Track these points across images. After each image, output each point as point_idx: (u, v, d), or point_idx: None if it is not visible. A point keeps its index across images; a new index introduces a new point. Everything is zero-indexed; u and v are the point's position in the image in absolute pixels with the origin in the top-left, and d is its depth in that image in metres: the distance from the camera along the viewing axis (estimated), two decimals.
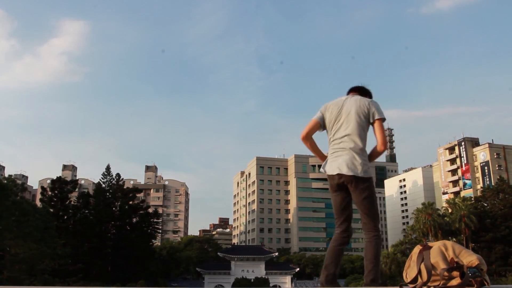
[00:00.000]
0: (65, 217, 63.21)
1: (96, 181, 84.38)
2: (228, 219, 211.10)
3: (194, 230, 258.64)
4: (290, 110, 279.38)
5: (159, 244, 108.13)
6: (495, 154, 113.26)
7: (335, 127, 4.02)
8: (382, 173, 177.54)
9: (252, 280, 68.85)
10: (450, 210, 78.69)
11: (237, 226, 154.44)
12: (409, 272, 3.15)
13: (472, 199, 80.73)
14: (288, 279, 78.59)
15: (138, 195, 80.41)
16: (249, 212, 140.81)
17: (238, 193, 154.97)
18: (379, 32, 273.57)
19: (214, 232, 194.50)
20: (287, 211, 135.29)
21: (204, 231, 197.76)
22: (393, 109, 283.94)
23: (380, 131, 3.96)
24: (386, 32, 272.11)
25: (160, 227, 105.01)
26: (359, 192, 3.86)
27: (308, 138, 4.09)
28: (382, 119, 3.98)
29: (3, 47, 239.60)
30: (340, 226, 3.96)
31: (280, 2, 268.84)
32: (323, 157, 4.11)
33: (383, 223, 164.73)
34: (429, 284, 2.98)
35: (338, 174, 3.86)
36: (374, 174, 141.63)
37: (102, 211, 66.85)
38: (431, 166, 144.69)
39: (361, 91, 4.28)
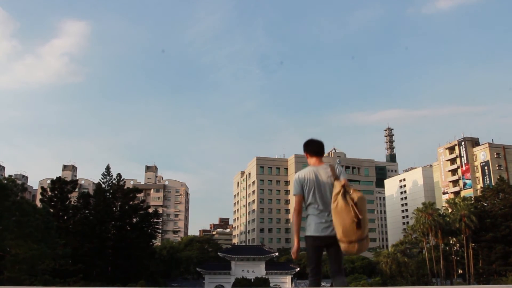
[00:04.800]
0: (65, 217, 63.14)
1: (96, 181, 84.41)
2: (228, 219, 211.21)
3: (194, 230, 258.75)
4: (290, 110, 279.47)
5: (159, 244, 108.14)
6: (495, 154, 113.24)
7: (318, 196, 4.71)
8: (382, 173, 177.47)
9: (252, 280, 68.79)
10: (450, 210, 78.64)
11: (237, 226, 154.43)
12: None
13: (472, 199, 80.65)
14: (288, 279, 78.54)
15: (138, 195, 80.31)
16: (249, 212, 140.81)
17: (238, 193, 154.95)
18: (380, 32, 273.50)
19: (214, 232, 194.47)
20: (287, 211, 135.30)
21: (204, 231, 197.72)
22: (393, 109, 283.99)
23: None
24: (386, 32, 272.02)
25: (160, 227, 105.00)
26: (339, 248, 4.57)
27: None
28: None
29: (5, 47, 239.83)
30: (317, 274, 4.76)
31: (280, 2, 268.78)
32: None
33: (383, 223, 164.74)
34: None
35: (328, 236, 4.60)
36: (374, 174, 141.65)
37: (102, 211, 66.80)
38: (431, 166, 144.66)
39: (321, 153, 5.04)
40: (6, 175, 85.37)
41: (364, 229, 4.35)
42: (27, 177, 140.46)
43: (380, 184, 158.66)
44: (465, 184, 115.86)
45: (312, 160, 4.96)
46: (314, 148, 4.97)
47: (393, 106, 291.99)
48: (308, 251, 4.77)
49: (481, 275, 71.68)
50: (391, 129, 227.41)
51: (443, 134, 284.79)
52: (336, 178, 4.64)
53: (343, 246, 4.39)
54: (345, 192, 4.39)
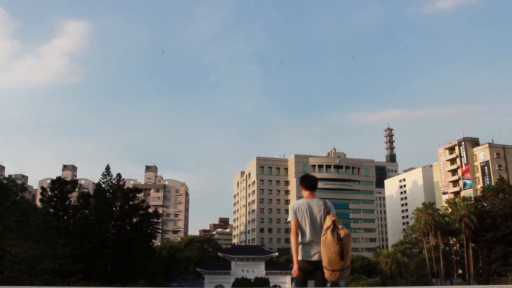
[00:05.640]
0: (65, 217, 63.12)
1: (96, 181, 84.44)
2: (228, 219, 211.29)
3: (194, 230, 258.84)
4: (290, 110, 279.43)
5: (159, 244, 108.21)
6: (495, 154, 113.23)
7: (310, 226, 5.36)
8: (382, 173, 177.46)
9: (252, 280, 68.80)
10: (450, 210, 78.60)
11: (237, 226, 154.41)
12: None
13: (472, 199, 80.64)
14: (288, 279, 78.51)
15: (138, 195, 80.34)
16: (249, 212, 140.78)
17: (238, 193, 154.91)
18: (380, 32, 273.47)
19: (214, 232, 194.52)
20: (287, 211, 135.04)
21: (204, 231, 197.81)
22: (393, 109, 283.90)
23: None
24: (386, 32, 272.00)
25: (160, 227, 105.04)
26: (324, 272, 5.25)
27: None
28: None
29: (5, 47, 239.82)
30: None
31: (280, 2, 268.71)
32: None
33: (383, 223, 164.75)
34: None
35: (316, 261, 5.27)
36: (374, 174, 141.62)
37: (102, 211, 66.83)
38: (431, 166, 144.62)
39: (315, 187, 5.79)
40: (6, 175, 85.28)
41: (347, 260, 5.04)
42: (27, 177, 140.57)
43: (380, 184, 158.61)
44: (465, 184, 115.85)
45: (306, 193, 5.71)
46: (308, 183, 5.74)
47: (393, 106, 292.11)
48: (299, 271, 5.41)
49: (481, 275, 71.67)
50: (391, 129, 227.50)
51: (443, 134, 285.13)
52: (328, 212, 5.38)
53: (326, 273, 5.11)
54: (334, 227, 5.11)
